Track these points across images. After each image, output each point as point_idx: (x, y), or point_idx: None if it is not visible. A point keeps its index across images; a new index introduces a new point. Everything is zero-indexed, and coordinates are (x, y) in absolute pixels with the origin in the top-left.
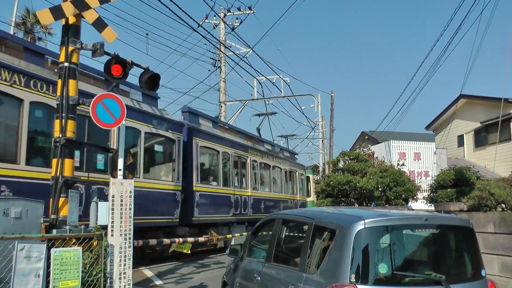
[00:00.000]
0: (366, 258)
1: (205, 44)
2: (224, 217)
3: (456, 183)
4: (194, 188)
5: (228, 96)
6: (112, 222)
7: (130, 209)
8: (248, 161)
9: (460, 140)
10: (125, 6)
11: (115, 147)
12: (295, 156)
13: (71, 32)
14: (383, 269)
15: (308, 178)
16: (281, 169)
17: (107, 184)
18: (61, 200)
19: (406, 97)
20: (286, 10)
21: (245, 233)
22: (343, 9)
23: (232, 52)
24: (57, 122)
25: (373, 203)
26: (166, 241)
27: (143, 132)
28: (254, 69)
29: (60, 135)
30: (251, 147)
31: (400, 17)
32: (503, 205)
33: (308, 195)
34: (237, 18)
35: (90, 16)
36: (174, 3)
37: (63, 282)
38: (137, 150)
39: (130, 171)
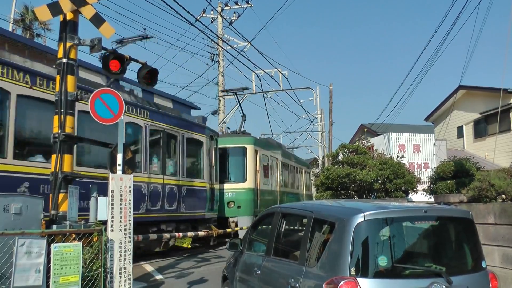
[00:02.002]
0: (366, 250)
1: (203, 39)
2: None
3: (456, 174)
4: None
5: None
6: (112, 217)
7: (129, 204)
8: None
9: (460, 131)
10: (122, 1)
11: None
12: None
13: (69, 28)
14: (383, 261)
15: (244, 150)
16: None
17: None
18: (61, 195)
19: (405, 88)
20: (284, 3)
21: None
22: (341, 0)
23: (230, 46)
24: (55, 118)
25: (373, 195)
26: (166, 235)
27: None
28: (252, 63)
29: (59, 131)
30: None
31: (398, 8)
32: (504, 196)
33: (239, 179)
34: (234, 12)
35: (87, 12)
36: None
37: (64, 277)
38: None
39: None
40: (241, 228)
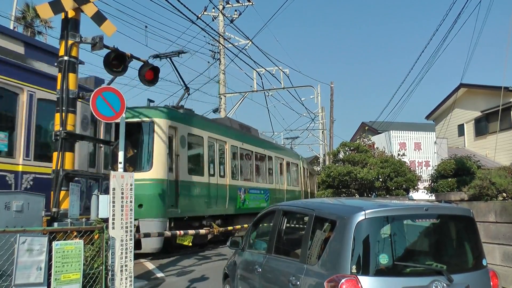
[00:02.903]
0: (367, 249)
1: (204, 37)
2: None
3: (457, 172)
4: None
5: (228, 88)
6: (113, 215)
7: (130, 202)
8: None
9: (461, 130)
10: None
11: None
12: None
13: (70, 26)
14: (384, 259)
15: (150, 126)
16: None
17: None
18: (62, 193)
19: (406, 87)
20: (285, 1)
21: None
22: None
23: (231, 44)
24: (57, 116)
25: (374, 193)
26: (167, 233)
27: None
28: (254, 61)
29: (61, 129)
30: None
31: (399, 6)
32: (504, 194)
33: (142, 166)
34: (236, 10)
35: (89, 9)
36: None
37: (65, 275)
38: None
39: None
40: (144, 236)
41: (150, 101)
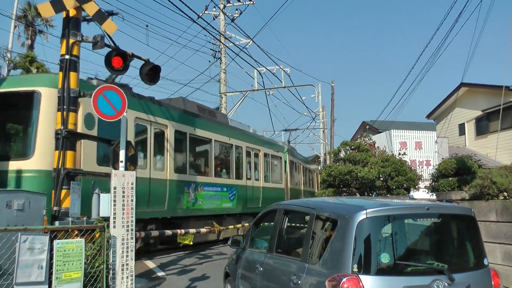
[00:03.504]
0: (368, 248)
1: (205, 36)
2: None
3: (458, 172)
4: None
5: (228, 87)
6: (114, 213)
7: (132, 200)
8: None
9: (461, 129)
10: None
11: None
12: None
13: (71, 25)
14: (385, 259)
15: (32, 98)
16: None
17: None
18: (63, 192)
19: (407, 86)
20: (286, 0)
21: None
22: None
23: (232, 43)
24: (58, 115)
25: (375, 193)
26: (168, 232)
27: None
28: (255, 60)
29: (62, 127)
30: None
31: (400, 4)
32: (505, 194)
33: (21, 152)
34: (236, 9)
35: (90, 8)
36: None
37: (66, 274)
38: None
39: None
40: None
41: (90, 79)
